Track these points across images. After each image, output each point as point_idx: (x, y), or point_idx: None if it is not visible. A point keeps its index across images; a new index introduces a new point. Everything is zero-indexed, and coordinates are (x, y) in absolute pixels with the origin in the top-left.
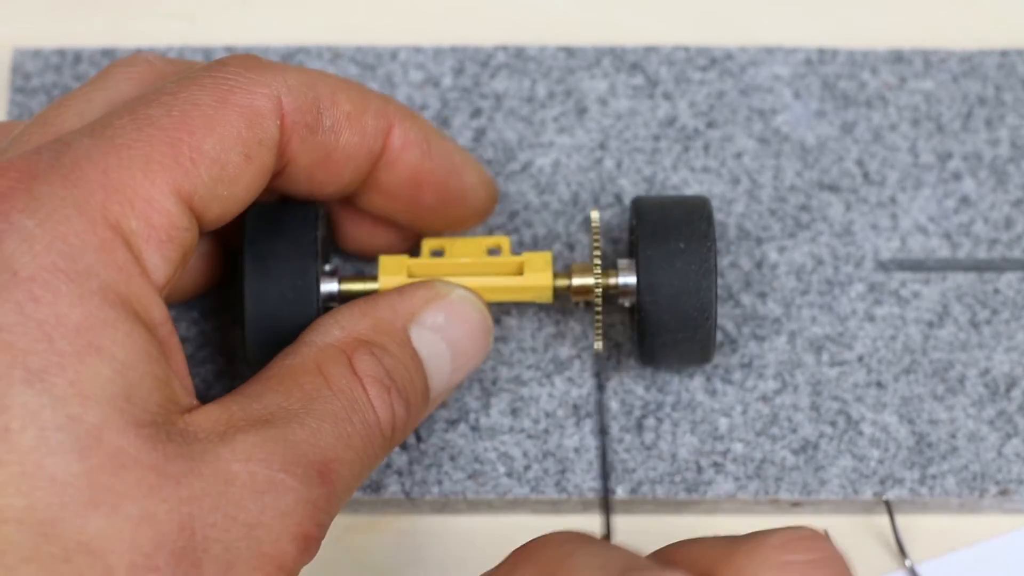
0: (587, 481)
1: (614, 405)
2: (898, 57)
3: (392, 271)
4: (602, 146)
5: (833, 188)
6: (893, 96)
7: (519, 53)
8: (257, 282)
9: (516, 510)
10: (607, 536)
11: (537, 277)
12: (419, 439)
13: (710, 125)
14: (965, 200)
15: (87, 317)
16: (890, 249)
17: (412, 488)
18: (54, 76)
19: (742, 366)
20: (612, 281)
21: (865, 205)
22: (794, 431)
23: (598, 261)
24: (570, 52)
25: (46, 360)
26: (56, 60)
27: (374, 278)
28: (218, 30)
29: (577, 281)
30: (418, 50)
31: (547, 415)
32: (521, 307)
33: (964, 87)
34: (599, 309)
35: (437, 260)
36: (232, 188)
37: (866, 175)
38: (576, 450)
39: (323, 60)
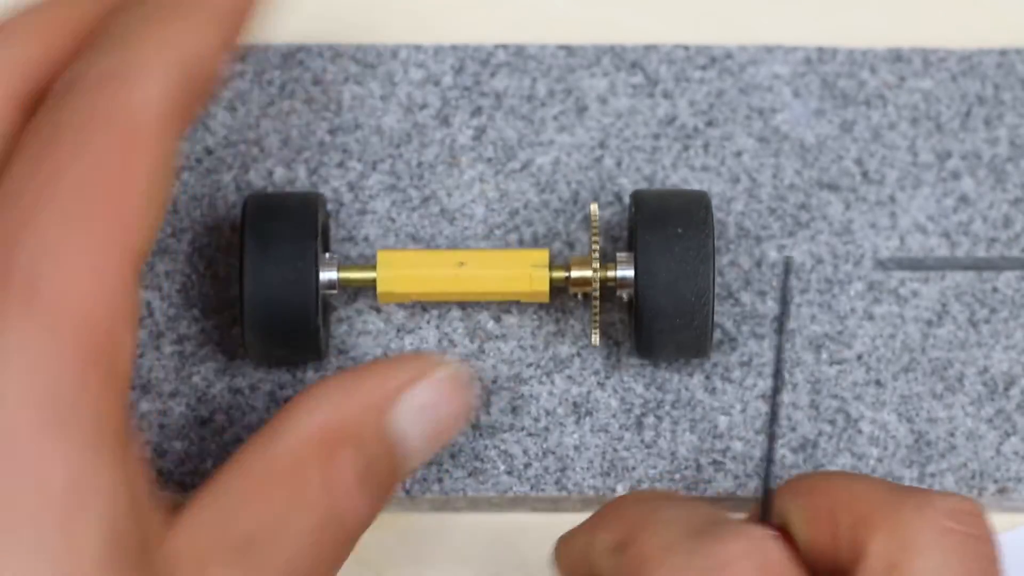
0: (587, 479)
1: (613, 403)
2: (897, 56)
3: (390, 264)
4: (602, 144)
5: (832, 187)
6: (892, 95)
7: (519, 52)
8: (256, 270)
9: (516, 508)
10: (766, 507)
11: (533, 270)
12: None
13: (710, 124)
14: (964, 199)
15: (73, 472)
16: (889, 248)
17: (412, 486)
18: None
19: (741, 364)
20: (610, 274)
21: (864, 204)
22: (793, 429)
23: (596, 253)
24: (570, 51)
25: (37, 526)
26: None
27: (372, 267)
28: None
29: (575, 274)
30: (418, 48)
31: (547, 413)
32: (521, 305)
33: (963, 86)
34: (597, 301)
35: (432, 253)
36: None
37: (865, 174)
38: (576, 448)
39: (323, 58)
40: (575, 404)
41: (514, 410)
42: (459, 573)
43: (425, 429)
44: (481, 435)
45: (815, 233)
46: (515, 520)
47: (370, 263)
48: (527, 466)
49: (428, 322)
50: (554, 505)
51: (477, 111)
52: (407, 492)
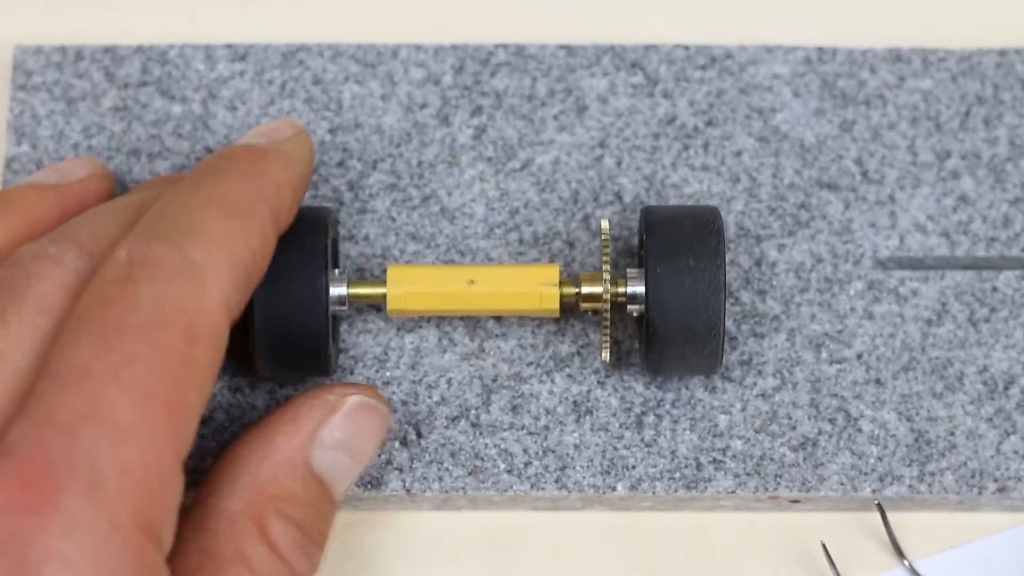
0: (587, 478)
1: (613, 402)
2: (897, 56)
3: (400, 281)
4: (602, 144)
5: (832, 186)
6: (892, 95)
7: (519, 51)
8: (266, 288)
9: (516, 507)
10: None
11: (544, 288)
12: (419, 436)
13: (710, 123)
14: (963, 199)
15: None
16: (889, 247)
17: (412, 484)
18: (56, 74)
19: (741, 363)
20: (621, 290)
21: (864, 203)
22: (793, 428)
23: (607, 270)
24: (570, 50)
25: None
26: (58, 58)
27: (382, 283)
28: (219, 28)
29: (586, 290)
30: (419, 48)
31: (547, 412)
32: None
33: (962, 86)
34: (607, 319)
35: (442, 269)
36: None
37: (865, 174)
38: (576, 447)
39: (324, 58)
40: (575, 403)
41: (514, 409)
42: (459, 572)
43: (344, 463)
44: (481, 434)
45: (815, 232)
46: (515, 519)
47: (379, 278)
48: (527, 465)
49: (428, 321)
50: (554, 504)
51: (477, 110)
52: (407, 491)
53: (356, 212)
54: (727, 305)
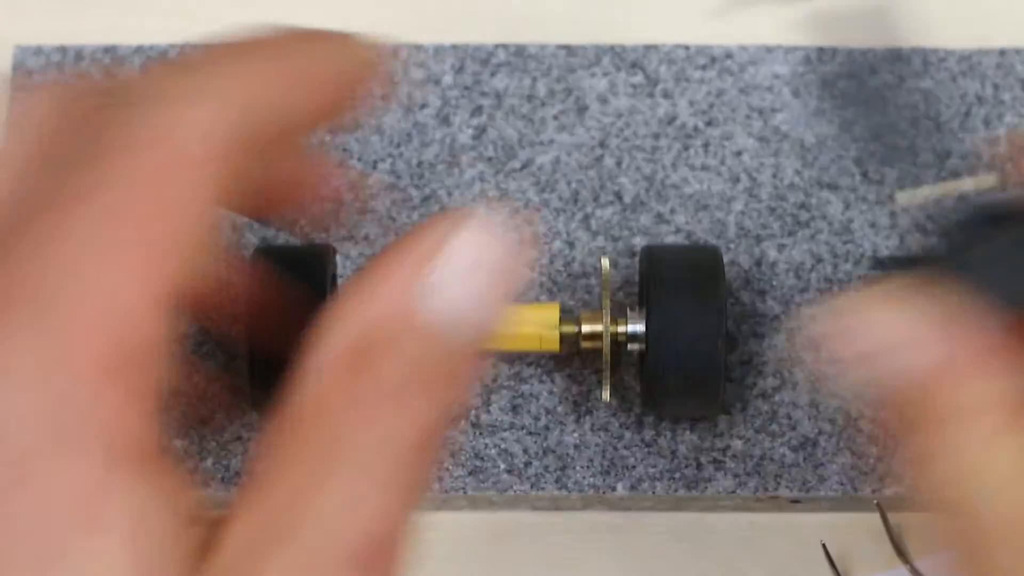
0: (587, 478)
1: (613, 402)
2: (897, 56)
3: None
4: (602, 144)
5: (832, 186)
6: (892, 95)
7: (519, 51)
8: (262, 324)
9: (516, 507)
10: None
11: (544, 331)
12: None
13: (710, 123)
14: (963, 199)
15: (89, 492)
16: (888, 247)
17: None
18: (56, 73)
19: (742, 363)
20: (621, 329)
21: (864, 203)
22: (793, 428)
23: (608, 310)
24: (570, 50)
25: (49, 551)
26: (58, 57)
27: None
28: (219, 28)
29: (586, 328)
30: (418, 48)
31: (547, 412)
32: (521, 303)
33: (963, 86)
34: (608, 358)
35: None
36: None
37: (865, 174)
38: (576, 447)
39: None
40: (575, 403)
41: (514, 408)
42: (459, 572)
43: (478, 290)
44: (481, 434)
45: (815, 232)
46: (515, 519)
47: None
48: (527, 465)
49: None
50: (554, 504)
51: (477, 110)
52: None
53: (356, 212)
54: (727, 346)
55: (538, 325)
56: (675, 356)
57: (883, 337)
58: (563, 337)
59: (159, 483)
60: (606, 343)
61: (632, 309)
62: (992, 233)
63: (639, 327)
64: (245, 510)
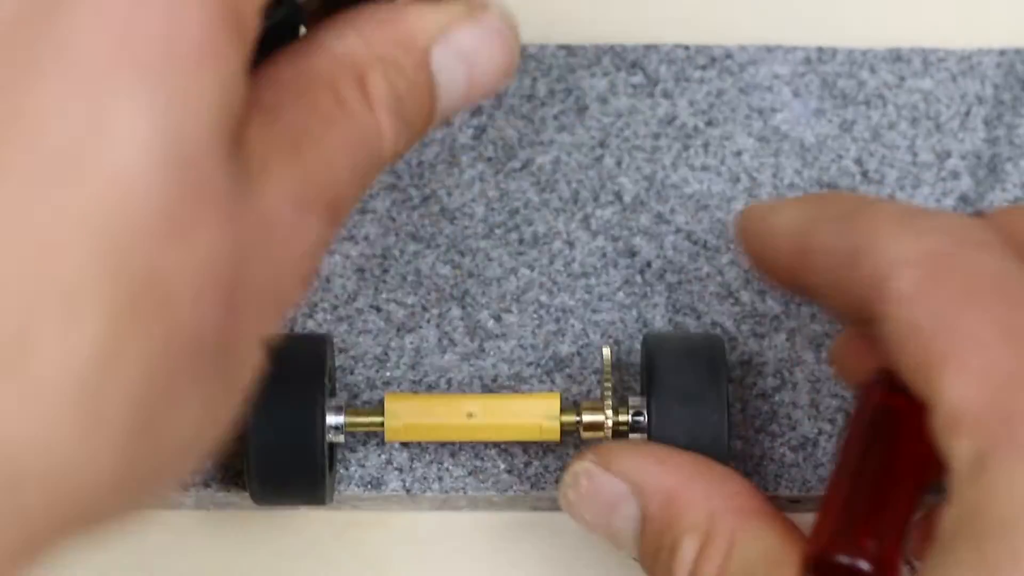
0: None
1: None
2: (897, 56)
3: (397, 415)
4: (602, 144)
5: (832, 187)
6: (892, 95)
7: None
8: (261, 414)
9: (517, 507)
10: None
11: (544, 424)
12: None
13: (710, 123)
14: (964, 199)
15: (203, 31)
16: None
17: (412, 485)
18: None
19: (741, 364)
20: (623, 419)
21: None
22: (793, 428)
23: (609, 399)
24: (570, 50)
25: (162, 65)
26: None
27: (380, 411)
28: None
29: (587, 418)
30: None
31: None
32: (521, 303)
33: (963, 86)
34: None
35: (441, 400)
36: None
37: (865, 174)
38: (576, 447)
39: None
40: (575, 404)
41: None
42: (459, 572)
43: (463, 76)
44: None
45: None
46: (515, 519)
47: (377, 407)
48: (527, 465)
49: (428, 321)
50: (554, 504)
51: (477, 110)
52: (407, 491)
53: (356, 212)
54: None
55: (538, 416)
56: (679, 446)
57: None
58: (563, 427)
59: (245, 50)
60: (608, 429)
61: (634, 398)
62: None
63: (641, 417)
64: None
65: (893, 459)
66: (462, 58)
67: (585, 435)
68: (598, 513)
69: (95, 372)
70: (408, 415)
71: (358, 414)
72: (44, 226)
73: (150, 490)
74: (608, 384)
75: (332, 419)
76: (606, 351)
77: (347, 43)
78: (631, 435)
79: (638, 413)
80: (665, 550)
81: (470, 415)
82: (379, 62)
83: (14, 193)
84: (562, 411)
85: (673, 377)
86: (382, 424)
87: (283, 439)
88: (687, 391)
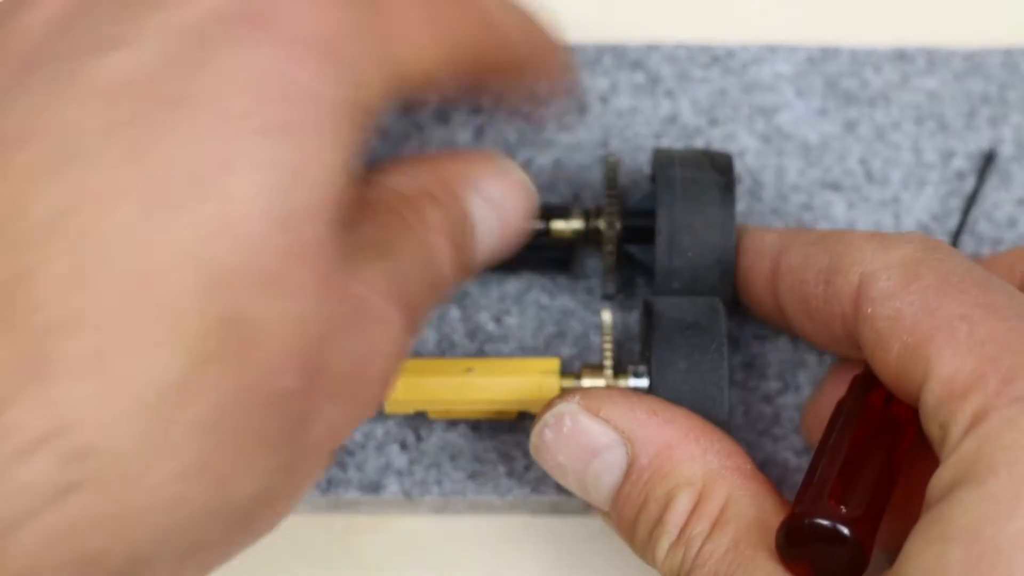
0: None
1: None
2: (901, 55)
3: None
4: (603, 144)
5: (835, 187)
6: (896, 94)
7: None
8: None
9: (516, 511)
10: None
11: (544, 380)
12: (419, 439)
13: (712, 123)
14: (968, 199)
15: (329, 109)
16: None
17: (412, 488)
18: None
19: (744, 366)
20: (623, 384)
21: (868, 204)
22: (796, 432)
23: (609, 364)
24: (571, 50)
25: (288, 129)
26: None
27: None
28: None
29: (587, 383)
30: None
31: None
32: (522, 305)
33: (967, 85)
34: None
35: (439, 360)
36: None
37: (869, 174)
38: None
39: None
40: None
41: None
42: None
43: (496, 220)
44: (481, 437)
45: None
46: (515, 523)
47: None
48: (527, 468)
49: (428, 323)
50: (554, 508)
51: (477, 110)
52: (407, 495)
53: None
54: (731, 398)
55: (537, 372)
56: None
57: (588, 442)
58: (563, 391)
59: (359, 131)
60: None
61: (635, 365)
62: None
63: (643, 382)
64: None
65: (869, 435)
66: (493, 205)
67: None
68: (576, 457)
69: (163, 398)
70: (407, 371)
71: None
72: (153, 245)
73: (189, 538)
74: (608, 348)
75: None
76: (606, 315)
77: (402, 181)
78: None
79: (638, 376)
80: (654, 502)
81: (469, 370)
82: (430, 197)
83: (134, 209)
84: (562, 377)
85: (673, 341)
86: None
87: None
88: (688, 356)
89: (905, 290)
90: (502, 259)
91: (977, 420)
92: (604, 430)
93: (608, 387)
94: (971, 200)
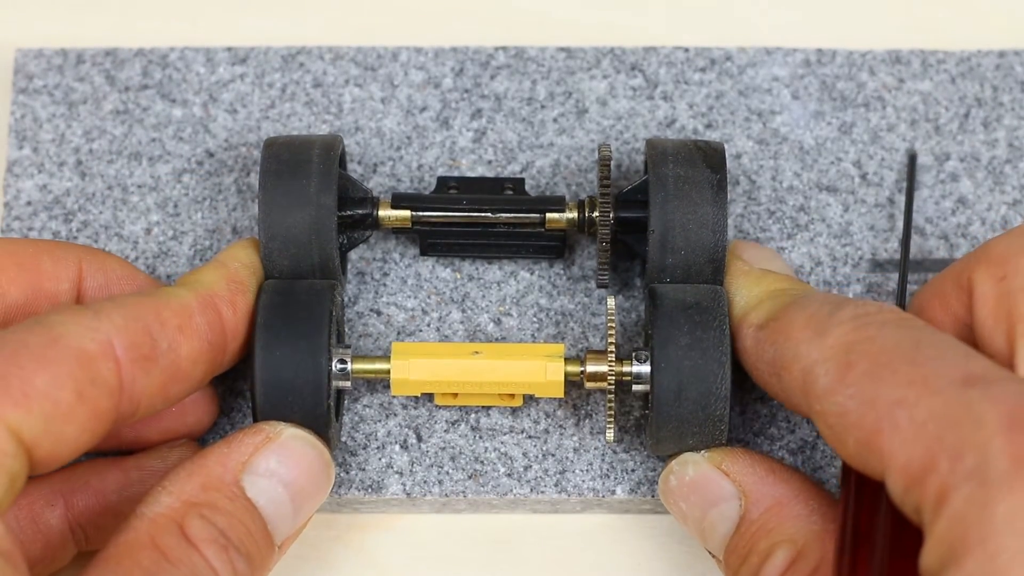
0: (587, 481)
1: (613, 405)
2: (896, 58)
3: (403, 353)
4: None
5: (831, 189)
6: (891, 97)
7: (519, 54)
8: (268, 365)
9: (516, 510)
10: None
11: (549, 364)
12: (420, 439)
13: (709, 126)
14: (962, 201)
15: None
16: (888, 250)
17: (413, 488)
18: (56, 77)
19: (740, 367)
20: (626, 369)
21: (863, 206)
22: (792, 432)
23: (612, 349)
24: (570, 53)
25: None
26: (58, 61)
27: (386, 358)
28: (219, 31)
29: (591, 368)
30: (419, 51)
31: (547, 415)
32: (521, 307)
33: (962, 88)
34: (612, 397)
35: (446, 344)
36: (64, 427)
37: (864, 176)
38: (575, 450)
39: (324, 61)
40: (575, 406)
41: (514, 412)
42: (459, 575)
43: (280, 495)
44: (481, 437)
45: (814, 235)
46: (515, 522)
47: (383, 356)
48: (527, 468)
49: (428, 324)
50: (554, 507)
51: (477, 113)
52: (408, 494)
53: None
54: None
55: (543, 355)
56: (681, 394)
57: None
58: (567, 376)
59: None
60: (611, 380)
61: (638, 351)
62: None
63: (644, 367)
64: None
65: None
66: (273, 477)
67: (589, 385)
68: (695, 505)
69: None
70: (415, 353)
71: (364, 361)
72: None
73: None
74: (612, 333)
75: (338, 367)
76: (610, 301)
77: (160, 504)
78: (635, 387)
79: (640, 361)
80: (756, 555)
81: (476, 352)
82: (193, 508)
83: None
84: (566, 361)
85: (675, 328)
86: (388, 371)
87: (288, 387)
88: (690, 333)
89: (842, 383)
90: None
91: (940, 501)
92: (723, 482)
93: (733, 446)
94: (909, 205)
